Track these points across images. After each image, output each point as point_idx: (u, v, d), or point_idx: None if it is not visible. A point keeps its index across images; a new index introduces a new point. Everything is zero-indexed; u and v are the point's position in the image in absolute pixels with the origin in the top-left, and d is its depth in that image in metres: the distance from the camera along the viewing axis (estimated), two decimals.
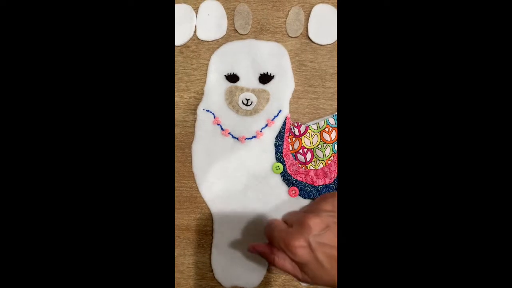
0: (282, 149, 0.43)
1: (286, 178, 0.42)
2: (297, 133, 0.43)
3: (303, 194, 0.42)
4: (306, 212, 0.35)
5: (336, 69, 0.44)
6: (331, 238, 0.32)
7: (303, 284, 0.42)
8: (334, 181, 0.42)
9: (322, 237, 0.32)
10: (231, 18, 0.45)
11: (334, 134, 0.42)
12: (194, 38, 0.44)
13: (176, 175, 0.44)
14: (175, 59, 0.44)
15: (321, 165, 0.42)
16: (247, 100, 0.43)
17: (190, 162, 0.44)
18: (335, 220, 0.32)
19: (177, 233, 0.43)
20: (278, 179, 0.43)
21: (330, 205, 0.34)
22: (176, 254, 0.43)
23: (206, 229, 0.43)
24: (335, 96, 0.44)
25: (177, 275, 0.43)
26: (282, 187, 0.43)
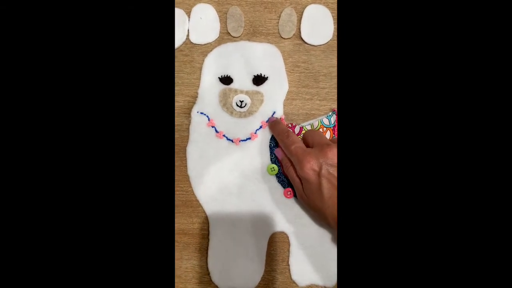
0: None
1: (281, 179, 0.42)
2: None
3: None
4: (332, 140, 0.37)
5: (329, 69, 0.44)
6: None
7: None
8: None
9: (334, 169, 0.34)
10: (223, 21, 0.45)
11: (328, 134, 0.42)
12: (187, 42, 0.45)
13: None
14: None
15: None
16: (241, 102, 0.43)
17: (186, 166, 0.43)
18: None
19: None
20: (273, 180, 0.42)
21: None
22: None
23: (203, 233, 0.43)
24: (329, 97, 0.44)
25: (175, 279, 0.43)
26: (278, 189, 0.42)
